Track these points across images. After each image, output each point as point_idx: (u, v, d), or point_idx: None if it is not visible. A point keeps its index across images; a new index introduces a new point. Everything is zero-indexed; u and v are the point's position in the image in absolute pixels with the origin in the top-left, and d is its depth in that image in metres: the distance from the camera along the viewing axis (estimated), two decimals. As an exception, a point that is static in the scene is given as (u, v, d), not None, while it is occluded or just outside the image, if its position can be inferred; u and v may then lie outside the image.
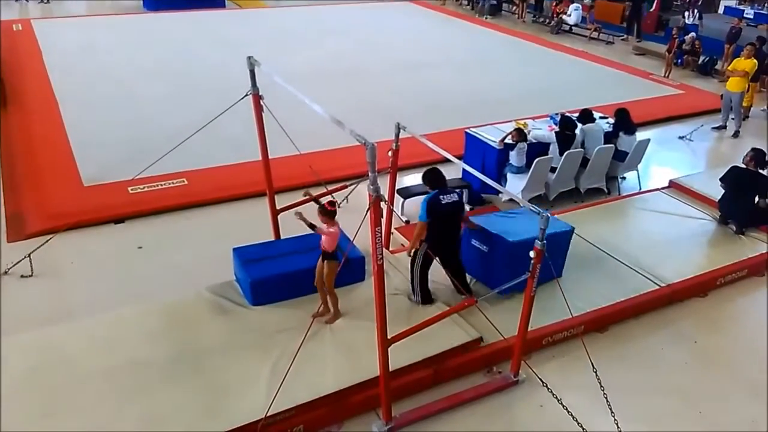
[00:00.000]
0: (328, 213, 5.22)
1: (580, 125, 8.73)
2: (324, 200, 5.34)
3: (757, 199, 7.51)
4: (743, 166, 7.65)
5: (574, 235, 6.45)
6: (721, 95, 11.98)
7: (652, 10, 19.49)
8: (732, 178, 7.61)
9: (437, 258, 5.73)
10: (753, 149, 7.68)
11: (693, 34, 16.40)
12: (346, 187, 6.80)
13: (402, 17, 20.31)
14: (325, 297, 5.58)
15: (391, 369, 4.68)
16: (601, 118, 9.35)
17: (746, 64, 11.33)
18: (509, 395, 5.33)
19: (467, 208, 8.41)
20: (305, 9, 20.16)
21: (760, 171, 7.57)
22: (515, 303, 5.09)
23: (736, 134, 11.57)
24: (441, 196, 5.67)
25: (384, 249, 5.09)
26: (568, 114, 8.96)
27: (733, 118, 11.66)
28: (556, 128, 8.87)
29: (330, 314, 5.64)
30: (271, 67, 5.89)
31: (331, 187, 6.78)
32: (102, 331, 5.49)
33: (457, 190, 6.02)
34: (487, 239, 6.05)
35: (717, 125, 11.81)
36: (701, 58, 15.99)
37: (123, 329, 5.51)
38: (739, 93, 11.43)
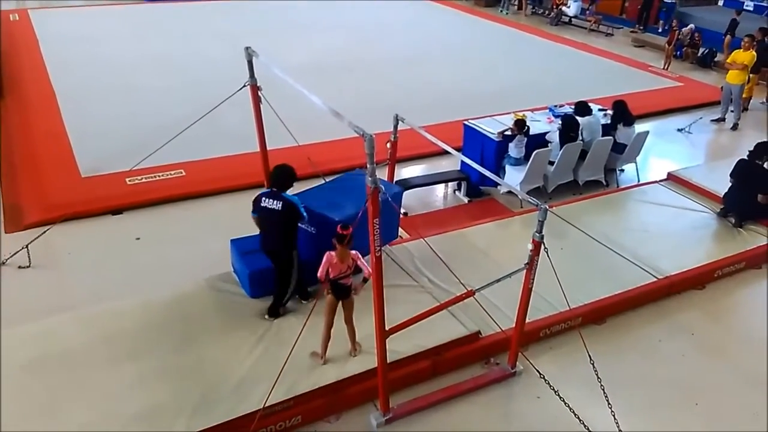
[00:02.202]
0: (337, 237, 4.75)
1: (579, 118, 8.69)
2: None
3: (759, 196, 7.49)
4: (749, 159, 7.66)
5: (572, 227, 6.45)
6: (722, 87, 11.95)
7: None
8: (738, 171, 7.62)
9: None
10: (757, 143, 7.71)
11: (692, 26, 16.35)
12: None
13: (399, 10, 20.19)
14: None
15: (389, 360, 4.69)
16: (600, 110, 9.33)
17: (745, 56, 11.30)
18: (506, 387, 5.35)
19: (465, 200, 8.43)
20: (304, 2, 20.05)
21: (762, 165, 7.56)
22: (513, 295, 5.09)
23: (734, 127, 11.56)
24: (263, 198, 5.37)
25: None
26: (571, 114, 8.86)
27: (732, 111, 11.64)
28: (554, 120, 8.86)
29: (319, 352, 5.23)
30: (269, 59, 5.87)
31: (329, 179, 6.78)
32: (100, 323, 5.50)
33: (279, 203, 5.27)
34: (312, 219, 5.59)
35: (716, 117, 11.79)
36: (701, 50, 15.95)
37: (121, 321, 5.52)
38: (739, 85, 11.41)
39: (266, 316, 5.56)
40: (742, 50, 11.38)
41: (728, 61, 11.82)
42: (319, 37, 16.07)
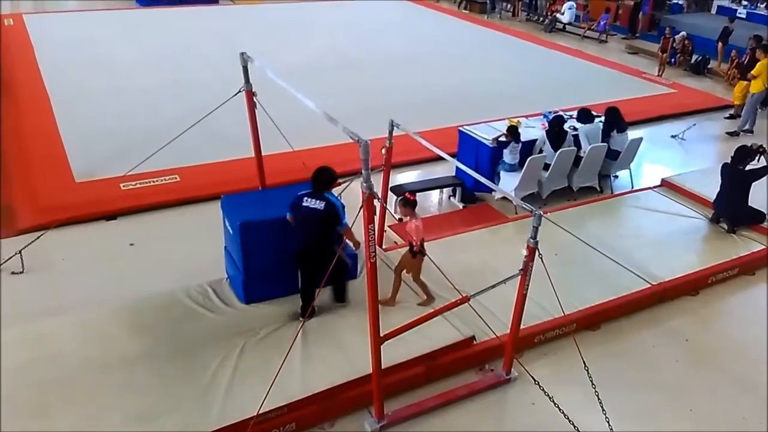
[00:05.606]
0: (411, 204, 5.39)
1: (581, 125, 8.73)
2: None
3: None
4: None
5: (567, 233, 6.47)
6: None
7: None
8: (723, 176, 7.65)
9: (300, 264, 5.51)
10: (737, 147, 7.75)
11: (684, 33, 16.43)
12: (339, 184, 6.79)
13: (395, 14, 20.27)
14: (398, 285, 5.84)
15: (383, 366, 4.68)
16: (594, 116, 9.36)
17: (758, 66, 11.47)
18: (501, 393, 5.34)
19: (460, 206, 8.44)
20: (298, 6, 20.09)
21: (746, 168, 7.58)
22: (507, 301, 5.10)
23: (734, 133, 11.57)
24: (305, 198, 5.33)
25: (377, 247, 5.10)
26: (557, 115, 8.95)
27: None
28: (548, 126, 8.90)
29: (426, 299, 5.88)
30: (264, 63, 5.88)
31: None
32: (93, 328, 5.47)
33: (322, 203, 5.26)
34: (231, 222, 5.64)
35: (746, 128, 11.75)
36: (694, 57, 16.03)
37: (114, 326, 5.50)
38: (751, 94, 11.53)
39: (337, 301, 5.80)
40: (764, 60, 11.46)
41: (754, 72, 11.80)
42: (309, 40, 16.13)
